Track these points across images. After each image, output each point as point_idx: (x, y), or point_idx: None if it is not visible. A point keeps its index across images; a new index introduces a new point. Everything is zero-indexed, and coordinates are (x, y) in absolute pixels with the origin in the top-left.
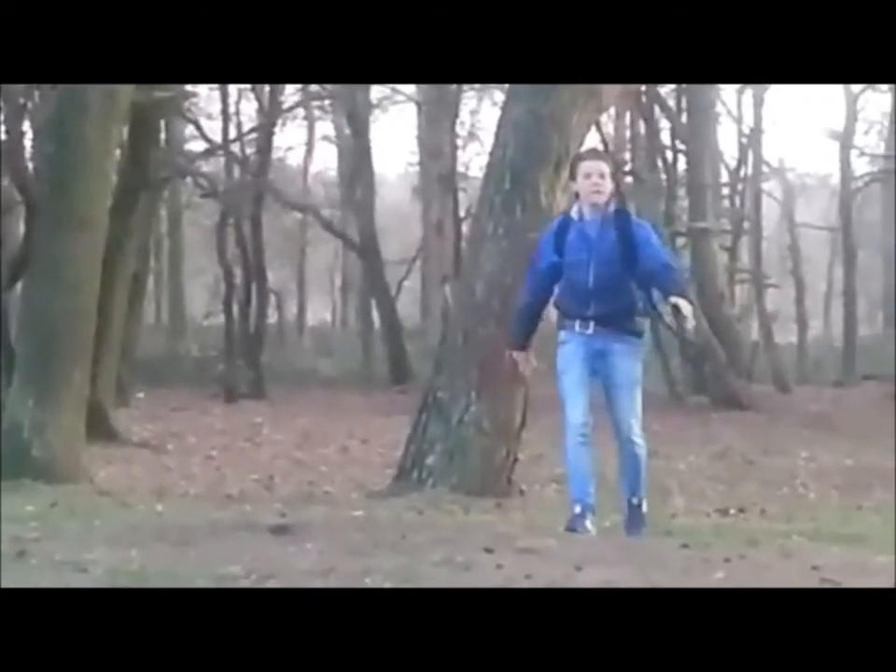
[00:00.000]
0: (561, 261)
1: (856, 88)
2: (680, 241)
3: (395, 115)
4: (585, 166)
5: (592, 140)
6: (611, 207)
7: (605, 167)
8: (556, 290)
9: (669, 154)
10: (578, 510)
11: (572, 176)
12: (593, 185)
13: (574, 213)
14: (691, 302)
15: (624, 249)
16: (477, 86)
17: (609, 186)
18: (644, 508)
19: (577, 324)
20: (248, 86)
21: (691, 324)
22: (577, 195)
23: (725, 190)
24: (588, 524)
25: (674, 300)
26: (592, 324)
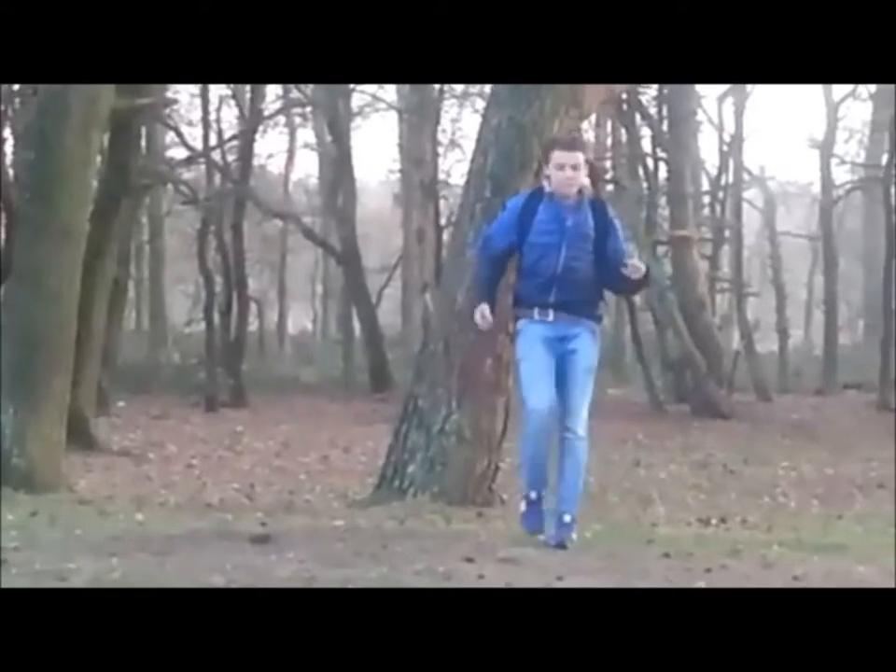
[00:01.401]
0: (519, 242)
1: (836, 96)
2: (661, 249)
3: (376, 122)
4: (558, 156)
5: None
6: (587, 194)
7: (580, 158)
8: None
9: (650, 162)
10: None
11: (545, 160)
12: (566, 178)
13: (547, 191)
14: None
15: (597, 239)
16: (458, 93)
17: (582, 177)
18: (574, 526)
19: (535, 311)
20: (229, 93)
21: (639, 271)
22: (547, 177)
23: (706, 199)
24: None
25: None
26: (551, 311)
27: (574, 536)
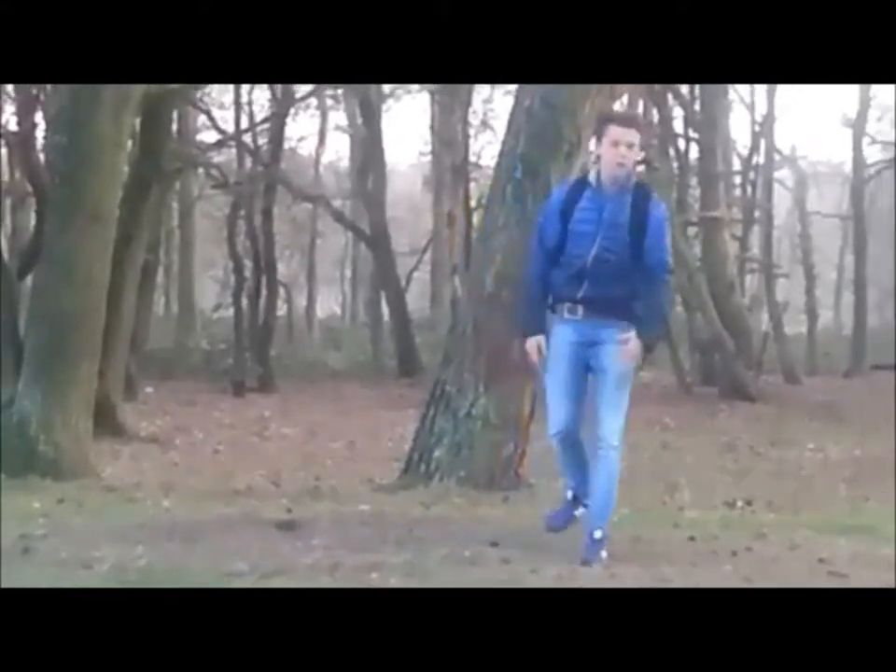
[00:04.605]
0: (564, 231)
1: None
2: (691, 230)
3: (407, 104)
4: (615, 132)
5: None
6: (632, 179)
7: (636, 136)
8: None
9: (681, 142)
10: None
11: (597, 137)
12: (619, 155)
13: (591, 178)
14: (648, 350)
15: (634, 232)
16: None
17: (635, 157)
18: (605, 543)
19: (565, 308)
20: None
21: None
22: (597, 157)
23: (737, 179)
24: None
25: (627, 336)
26: (581, 309)
27: (604, 554)
